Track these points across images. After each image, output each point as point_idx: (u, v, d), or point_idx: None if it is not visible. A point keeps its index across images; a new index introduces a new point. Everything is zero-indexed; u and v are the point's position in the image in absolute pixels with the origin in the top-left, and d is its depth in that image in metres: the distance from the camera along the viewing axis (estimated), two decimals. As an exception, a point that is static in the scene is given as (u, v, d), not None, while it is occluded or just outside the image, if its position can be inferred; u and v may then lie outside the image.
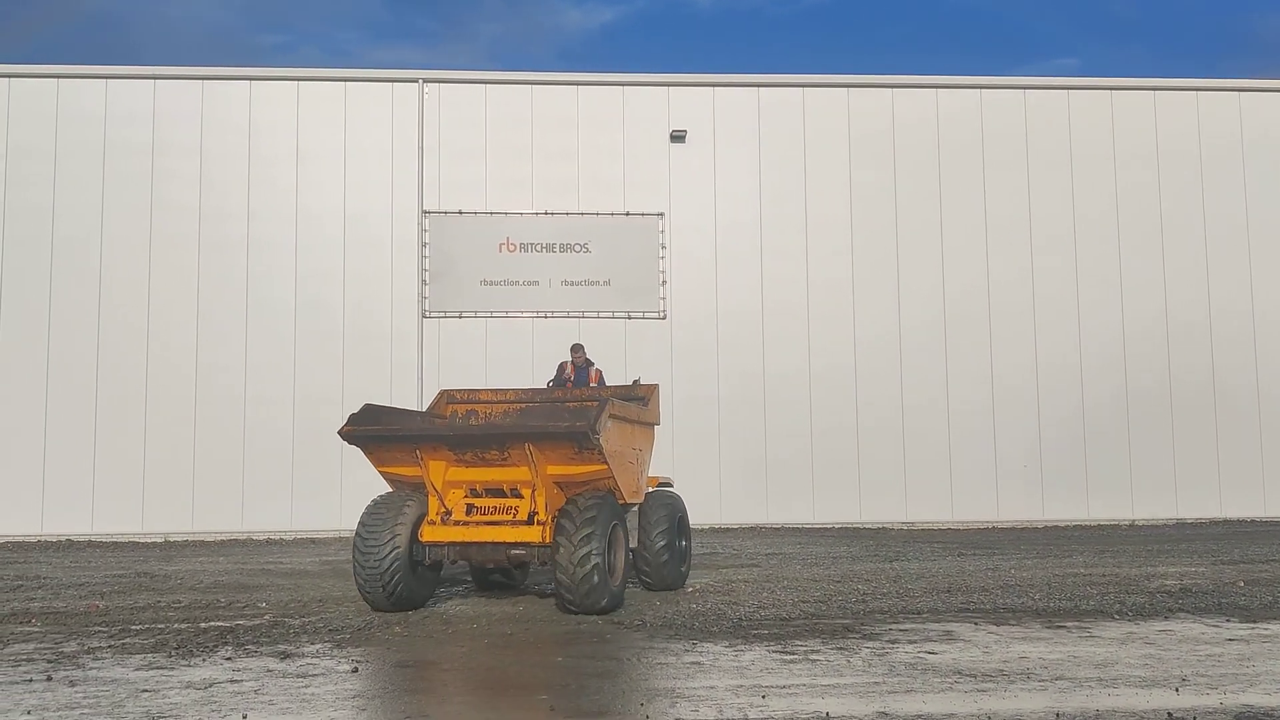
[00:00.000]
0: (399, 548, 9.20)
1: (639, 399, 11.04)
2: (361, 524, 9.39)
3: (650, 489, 10.96)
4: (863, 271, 20.73)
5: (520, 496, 9.38)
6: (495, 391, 11.46)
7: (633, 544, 10.33)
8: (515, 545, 9.26)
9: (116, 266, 19.55)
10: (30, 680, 6.62)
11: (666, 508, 10.66)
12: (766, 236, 20.71)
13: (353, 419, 9.54)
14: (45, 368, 19.19)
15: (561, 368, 13.93)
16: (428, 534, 9.37)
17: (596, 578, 8.62)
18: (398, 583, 9.17)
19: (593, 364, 13.69)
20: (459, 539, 9.40)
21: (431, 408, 11.12)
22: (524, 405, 11.27)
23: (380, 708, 6.01)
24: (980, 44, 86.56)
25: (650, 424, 11.03)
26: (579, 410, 10.26)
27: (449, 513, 9.49)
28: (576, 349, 14.14)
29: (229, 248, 19.76)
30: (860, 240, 20.81)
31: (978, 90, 21.42)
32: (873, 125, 21.13)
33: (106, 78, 20.09)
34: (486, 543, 9.35)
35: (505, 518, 9.41)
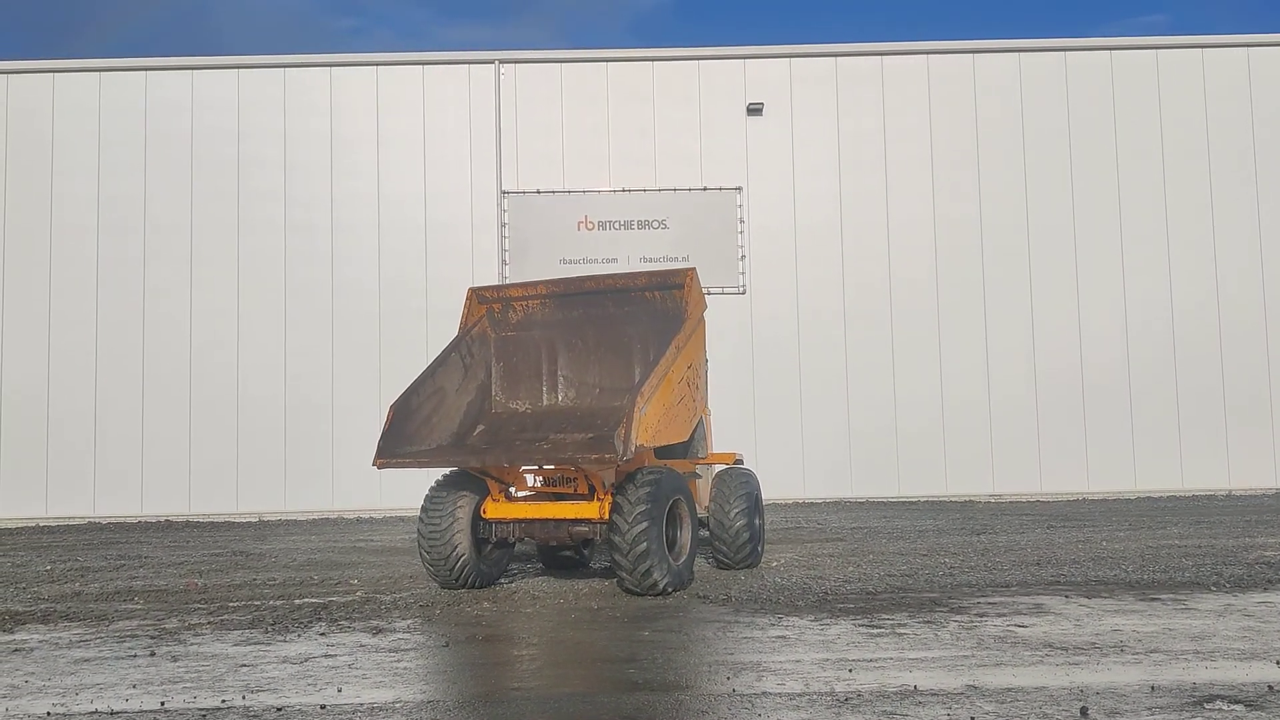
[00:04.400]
0: (462, 528, 9.22)
1: (675, 285, 9.78)
2: (425, 503, 9.39)
3: (724, 466, 10.79)
4: (946, 242, 20.41)
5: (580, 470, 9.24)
6: (523, 286, 10.49)
7: (702, 516, 10.26)
8: (578, 522, 9.08)
9: (206, 253, 20.04)
10: (134, 655, 6.85)
11: (744, 485, 10.43)
12: (846, 208, 20.49)
13: (382, 446, 9.14)
14: (141, 354, 19.75)
15: None
16: (491, 511, 9.37)
17: (651, 559, 8.41)
18: (463, 564, 9.22)
19: None
20: (522, 516, 9.33)
21: (464, 319, 10.41)
22: (556, 294, 10.29)
23: (471, 680, 6.11)
24: (1063, 3, 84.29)
25: (689, 331, 9.55)
26: (605, 414, 9.41)
27: (511, 489, 9.53)
28: None
29: (313, 231, 20.12)
30: (943, 210, 20.48)
31: (1062, 53, 20.89)
32: (954, 92, 20.75)
33: (192, 69, 20.54)
34: (549, 519, 9.23)
35: (567, 490, 9.38)
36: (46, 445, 19.60)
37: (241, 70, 20.56)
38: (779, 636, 6.94)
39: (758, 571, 10.13)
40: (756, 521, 10.52)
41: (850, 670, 5.91)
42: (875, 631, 7.04)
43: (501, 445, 9.50)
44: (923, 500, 19.39)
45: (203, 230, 20.10)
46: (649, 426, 8.50)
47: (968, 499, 19.52)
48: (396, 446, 9.27)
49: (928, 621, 7.36)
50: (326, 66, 20.71)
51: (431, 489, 9.53)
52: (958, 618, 7.49)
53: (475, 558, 9.36)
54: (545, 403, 10.15)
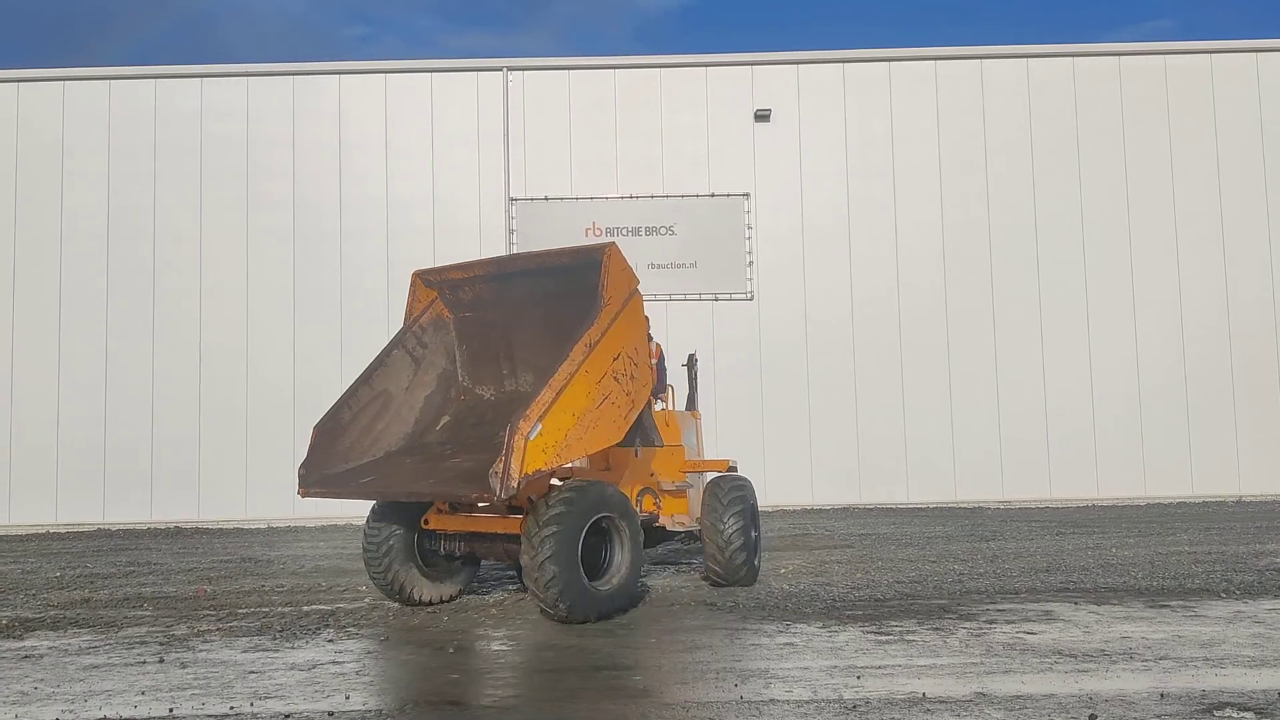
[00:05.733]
0: (402, 538, 8.74)
1: (592, 264, 8.59)
2: (370, 512, 8.96)
3: (717, 474, 10.28)
4: (955, 246, 20.38)
5: None
6: (463, 267, 9.61)
7: (693, 528, 9.84)
8: (514, 538, 8.25)
9: (216, 260, 20.08)
10: (144, 662, 6.87)
11: (738, 493, 9.80)
12: (854, 214, 20.47)
13: (304, 474, 8.63)
14: (150, 360, 19.79)
15: None
16: (433, 521, 8.82)
17: (559, 584, 7.56)
18: (402, 576, 8.74)
19: (653, 339, 12.03)
20: (461, 528, 8.73)
21: (410, 307, 9.77)
22: (494, 274, 9.46)
23: (476, 686, 6.11)
24: (1071, 9, 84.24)
25: (608, 320, 8.41)
26: (488, 448, 7.99)
27: None
28: None
29: (322, 238, 20.16)
30: (951, 215, 20.45)
31: (1070, 59, 20.86)
32: (962, 97, 20.73)
33: (202, 77, 20.60)
34: (487, 534, 8.61)
35: (516, 503, 8.44)
36: (57, 452, 19.65)
37: (251, 78, 20.62)
38: (787, 643, 6.94)
39: (765, 578, 10.10)
40: (754, 533, 9.96)
41: (859, 677, 5.90)
42: (884, 638, 7.03)
43: (386, 475, 8.56)
44: (932, 507, 19.35)
45: (212, 238, 20.15)
46: (550, 445, 7.60)
47: (977, 505, 19.47)
48: (326, 469, 8.68)
49: (936, 628, 7.34)
50: (335, 74, 20.75)
51: None
52: (966, 625, 7.47)
53: (418, 570, 8.85)
54: (507, 388, 9.52)
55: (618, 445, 8.99)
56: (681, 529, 9.99)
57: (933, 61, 20.87)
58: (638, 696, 5.64)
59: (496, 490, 7.29)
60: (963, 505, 19.48)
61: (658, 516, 9.70)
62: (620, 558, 8.33)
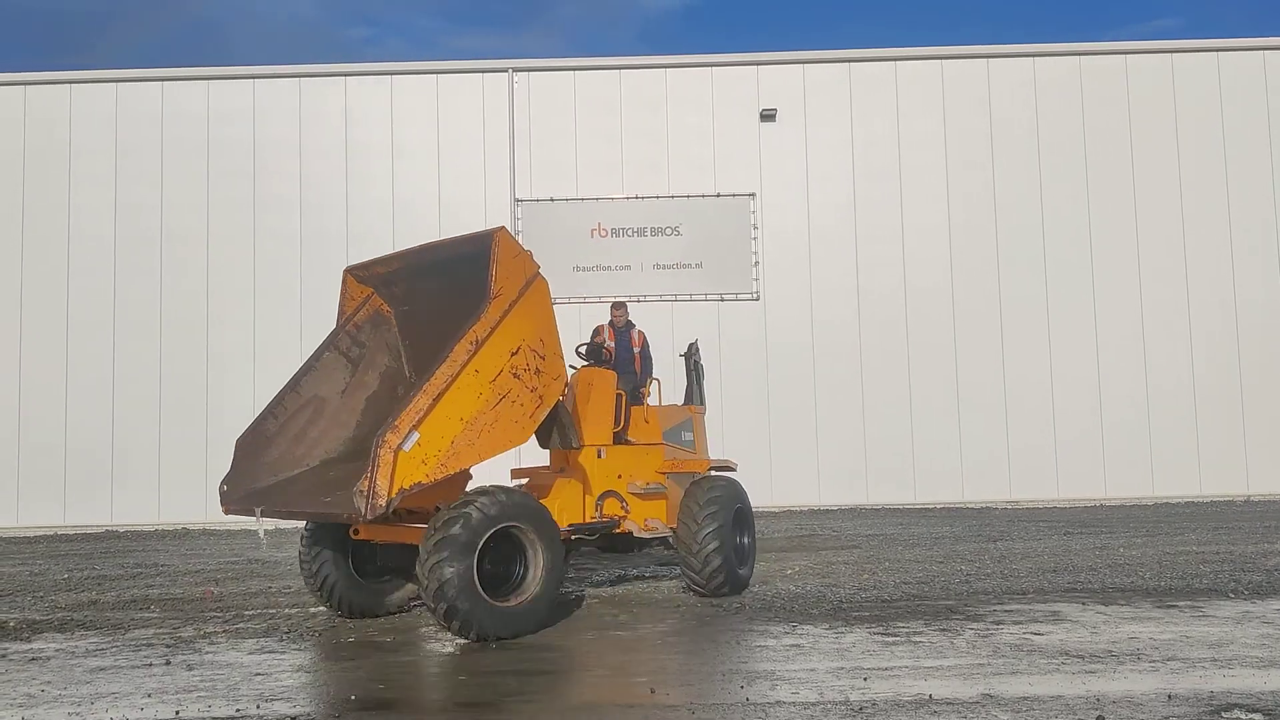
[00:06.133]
0: (332, 548, 8.32)
1: (479, 254, 7.93)
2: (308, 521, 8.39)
3: (700, 474, 9.68)
4: (961, 246, 20.36)
5: None
6: (384, 261, 9.07)
7: (666, 535, 9.22)
8: None
9: (222, 262, 20.11)
10: (150, 664, 6.87)
11: (718, 496, 9.14)
12: (861, 213, 20.45)
13: (226, 491, 8.18)
14: (158, 362, 19.83)
15: (596, 332, 10.90)
16: (362, 532, 8.12)
17: (448, 599, 7.00)
18: (333, 588, 8.32)
19: (634, 326, 10.93)
20: (387, 539, 8.19)
21: (343, 306, 9.26)
22: (415, 265, 8.84)
23: (483, 687, 6.11)
24: (1076, 7, 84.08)
25: (498, 315, 7.73)
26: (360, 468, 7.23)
27: None
28: (617, 308, 11.03)
29: (328, 240, 20.18)
30: (958, 215, 20.43)
31: (1076, 57, 20.83)
32: (968, 96, 20.71)
33: (209, 79, 20.65)
34: (411, 545, 7.83)
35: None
36: (65, 453, 19.70)
37: (257, 80, 20.65)
38: (793, 645, 6.92)
39: (771, 580, 10.08)
40: (741, 540, 9.43)
41: (865, 679, 5.88)
42: (890, 640, 7.01)
43: (271, 491, 8.03)
44: (939, 507, 19.32)
45: (219, 239, 20.18)
46: (432, 454, 7.10)
47: (984, 506, 19.44)
48: (253, 483, 8.16)
49: (943, 629, 7.33)
50: (341, 76, 20.78)
51: None
52: (973, 625, 7.45)
53: (349, 582, 8.40)
54: None
55: (582, 446, 9.01)
56: (652, 535, 9.25)
57: (938, 61, 20.85)
58: (642, 698, 5.63)
59: (362, 510, 6.77)
60: (970, 506, 19.45)
61: (619, 522, 9.12)
62: (533, 573, 7.61)
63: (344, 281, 9.23)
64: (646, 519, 9.32)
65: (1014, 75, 20.77)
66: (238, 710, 5.60)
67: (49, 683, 6.38)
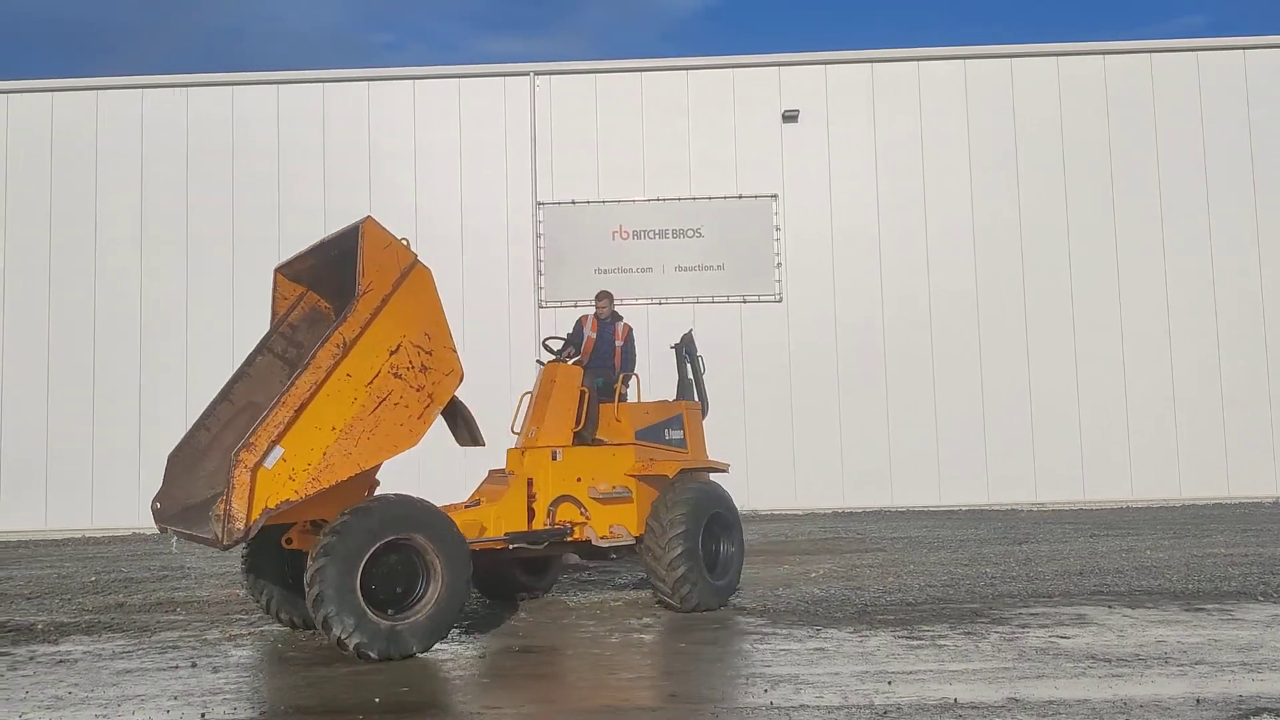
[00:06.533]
0: (268, 558, 7.95)
1: (351, 248, 7.41)
2: None
3: (671, 475, 8.95)
4: (985, 247, 20.24)
5: None
6: (313, 252, 8.25)
7: (630, 542, 8.69)
8: None
9: (247, 266, 20.19)
10: (176, 667, 6.91)
11: (687, 499, 8.56)
12: (884, 215, 20.37)
13: (159, 509, 7.66)
14: (184, 365, 19.92)
15: (580, 324, 10.23)
16: (295, 541, 7.75)
17: (325, 610, 6.68)
18: (271, 597, 8.03)
19: (621, 319, 10.36)
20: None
21: (275, 305, 8.58)
22: (335, 257, 8.01)
23: (506, 691, 6.11)
24: (1100, 6, 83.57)
25: (368, 312, 7.25)
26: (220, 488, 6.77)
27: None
28: (601, 298, 10.36)
29: (352, 245, 20.26)
30: (982, 215, 20.31)
31: (1100, 56, 20.69)
32: (991, 96, 20.59)
33: (233, 85, 20.78)
34: None
35: None
36: (92, 455, 19.85)
37: (281, 86, 20.77)
38: (817, 649, 6.90)
39: (795, 583, 10.04)
40: (719, 548, 8.87)
41: (890, 683, 5.85)
42: (915, 643, 6.98)
43: (203, 508, 7.33)
44: (964, 509, 19.22)
45: (244, 244, 20.28)
46: (301, 469, 6.72)
47: (1010, 508, 19.32)
48: (188, 499, 7.75)
49: (968, 633, 7.28)
50: (365, 81, 20.87)
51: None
52: (999, 629, 7.41)
53: (284, 593, 8.04)
54: None
55: (543, 445, 8.60)
56: (614, 543, 8.65)
57: (962, 61, 20.75)
58: (665, 701, 5.62)
59: (219, 536, 6.41)
60: (995, 508, 19.33)
61: (572, 529, 8.57)
62: (431, 589, 7.12)
63: (274, 281, 8.53)
64: (611, 525, 8.70)
65: (1038, 75, 20.64)
66: (262, 713, 5.64)
67: (76, 685, 6.43)
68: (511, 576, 9.42)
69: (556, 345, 9.85)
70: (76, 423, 19.94)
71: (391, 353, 7.22)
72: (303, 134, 20.55)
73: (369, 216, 7.56)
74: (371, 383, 7.10)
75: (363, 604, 6.79)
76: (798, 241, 20.32)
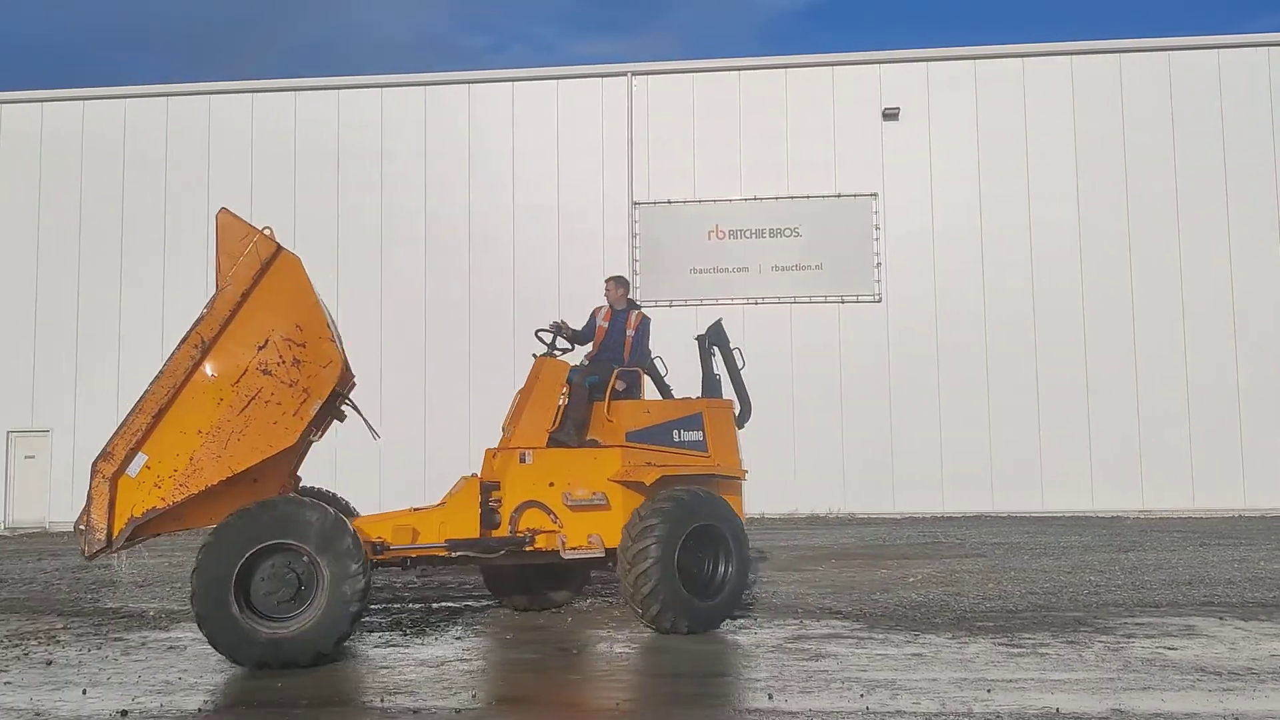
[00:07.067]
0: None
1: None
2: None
3: (649, 481, 7.91)
4: (1091, 243, 19.74)
5: None
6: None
7: (598, 554, 7.89)
8: None
9: (351, 265, 20.62)
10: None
11: (664, 509, 7.64)
12: (986, 213, 20.00)
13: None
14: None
15: (594, 315, 9.36)
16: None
17: (197, 612, 6.56)
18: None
19: (637, 307, 9.44)
20: None
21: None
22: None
23: (600, 691, 6.14)
24: (1208, 2, 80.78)
25: (227, 308, 6.94)
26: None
27: None
28: (615, 284, 9.51)
29: (452, 245, 20.56)
30: (1088, 213, 19.82)
31: (1214, 50, 20.04)
32: (1098, 93, 20.09)
33: (338, 89, 21.26)
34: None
35: None
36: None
37: (385, 90, 21.19)
38: (915, 654, 6.80)
39: (893, 588, 9.91)
40: (712, 567, 7.91)
41: (989, 690, 5.74)
42: (1016, 651, 6.84)
43: None
44: (1067, 516, 18.76)
45: (348, 243, 20.72)
46: (166, 475, 6.58)
47: (1115, 515, 18.81)
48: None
49: (1071, 642, 7.11)
50: (465, 84, 21.19)
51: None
52: (1103, 638, 7.22)
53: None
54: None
55: (520, 446, 7.95)
56: (584, 554, 7.88)
57: (1068, 57, 20.28)
58: (761, 705, 5.59)
59: (82, 548, 6.23)
60: (1100, 515, 18.84)
61: (532, 538, 7.77)
62: (319, 598, 6.70)
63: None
64: (590, 535, 7.84)
65: (1147, 70, 20.06)
66: (364, 702, 5.76)
67: (185, 670, 6.64)
68: (536, 587, 8.82)
69: (549, 336, 8.87)
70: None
71: (259, 348, 6.89)
72: (405, 136, 20.92)
73: (223, 209, 7.22)
74: (238, 381, 6.80)
75: (235, 609, 6.52)
76: (897, 240, 20.06)
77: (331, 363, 7.08)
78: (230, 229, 7.03)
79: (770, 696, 5.72)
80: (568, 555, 7.78)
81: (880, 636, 7.45)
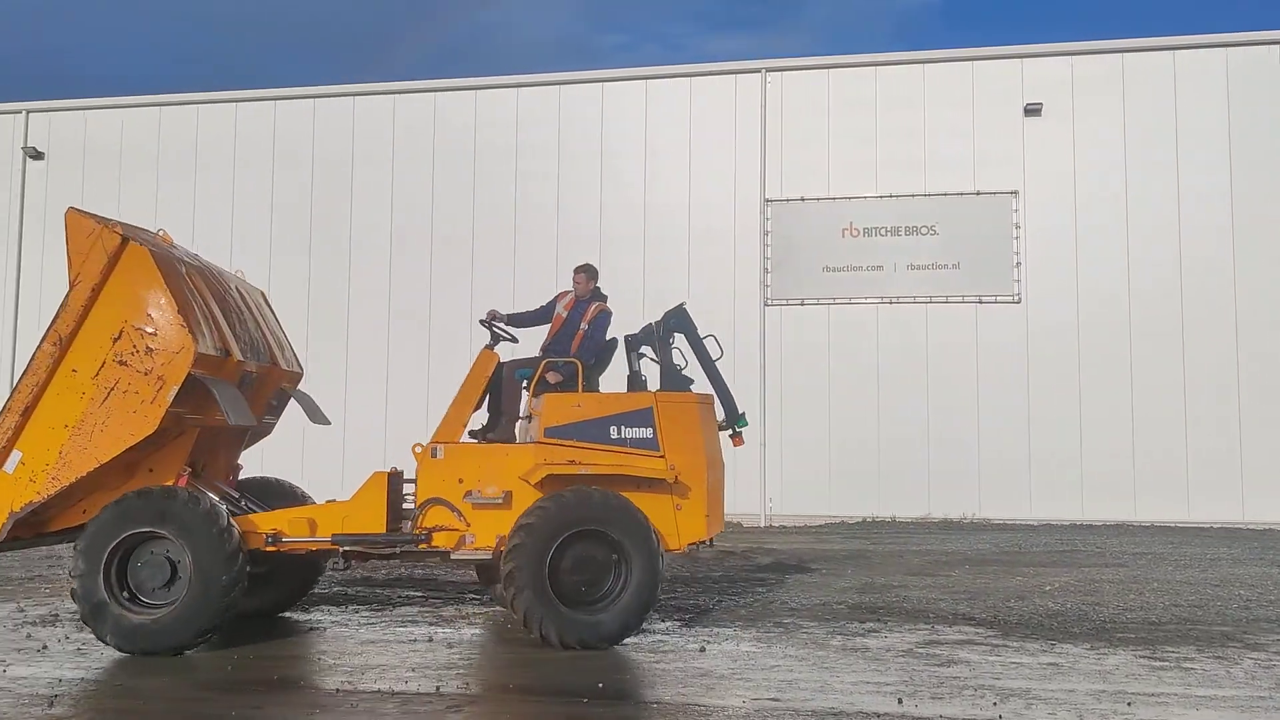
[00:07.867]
0: None
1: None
2: None
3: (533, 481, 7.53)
4: (1244, 248, 18.84)
5: None
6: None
7: (480, 554, 7.60)
8: None
9: (485, 264, 21.01)
10: (414, 640, 7.31)
11: (542, 510, 7.25)
12: (1132, 212, 19.26)
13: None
14: (427, 355, 20.87)
15: (555, 300, 9.20)
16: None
17: (79, 605, 6.90)
18: None
19: (603, 298, 9.06)
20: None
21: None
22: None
23: (728, 688, 6.14)
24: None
25: (81, 304, 7.10)
26: None
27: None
28: (582, 272, 9.19)
29: (583, 242, 20.74)
30: (1242, 214, 18.92)
31: (1387, 38, 18.91)
32: (1254, 88, 19.14)
33: (475, 89, 21.68)
34: None
35: None
36: (344, 440, 21.10)
37: (521, 89, 21.52)
38: (1051, 664, 6.62)
39: (1028, 595, 9.63)
40: (602, 575, 7.30)
41: (1129, 704, 5.56)
42: (1158, 664, 6.59)
43: None
44: (1215, 526, 17.96)
45: (483, 240, 21.11)
46: (40, 470, 6.87)
47: (1268, 527, 17.94)
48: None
49: (1218, 657, 6.82)
50: (598, 82, 21.36)
51: None
52: (1253, 655, 6.90)
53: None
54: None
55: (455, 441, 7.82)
56: (467, 556, 7.65)
57: (1222, 49, 19.39)
58: (890, 708, 5.52)
59: None
60: (1251, 526, 17.98)
61: (428, 536, 7.55)
62: (183, 588, 6.85)
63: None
64: (499, 535, 7.49)
65: (1312, 60, 19.05)
66: (489, 690, 5.87)
67: (324, 652, 6.88)
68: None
69: (501, 326, 8.89)
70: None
71: (114, 340, 7.04)
72: (538, 133, 21.21)
73: (70, 208, 7.34)
74: (98, 374, 7.00)
75: (106, 596, 6.79)
76: (1038, 239, 19.47)
77: (184, 348, 7.05)
78: (78, 226, 7.16)
79: (900, 701, 5.64)
80: (456, 556, 7.60)
81: (1015, 645, 7.27)
